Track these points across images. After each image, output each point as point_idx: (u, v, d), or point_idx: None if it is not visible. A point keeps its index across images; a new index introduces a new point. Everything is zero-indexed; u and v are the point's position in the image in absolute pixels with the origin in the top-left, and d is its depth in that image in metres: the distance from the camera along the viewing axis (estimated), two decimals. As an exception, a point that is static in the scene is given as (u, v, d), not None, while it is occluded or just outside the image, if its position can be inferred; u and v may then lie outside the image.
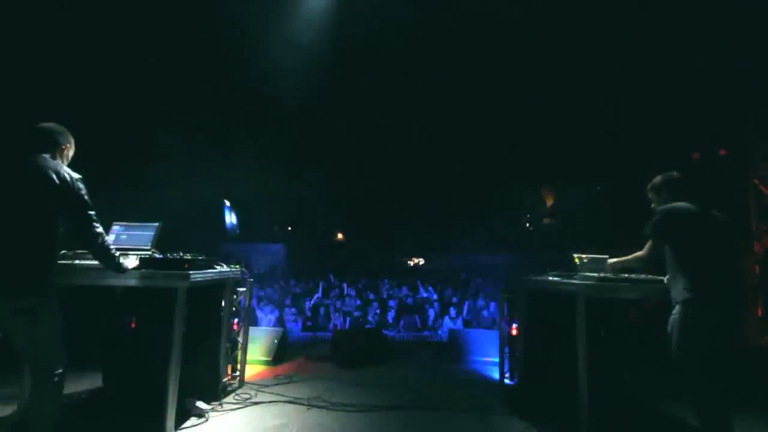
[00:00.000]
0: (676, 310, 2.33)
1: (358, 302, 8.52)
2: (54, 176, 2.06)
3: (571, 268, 3.21)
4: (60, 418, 2.14)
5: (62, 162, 2.25)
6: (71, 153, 2.34)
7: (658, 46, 7.47)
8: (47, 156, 2.14)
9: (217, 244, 14.18)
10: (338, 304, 8.52)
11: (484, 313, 7.58)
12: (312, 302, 8.47)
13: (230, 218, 17.80)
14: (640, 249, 2.58)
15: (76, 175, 2.15)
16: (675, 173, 2.61)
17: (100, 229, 2.21)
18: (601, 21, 7.29)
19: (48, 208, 2.06)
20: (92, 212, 2.18)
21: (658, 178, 2.64)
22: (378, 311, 7.99)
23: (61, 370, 2.12)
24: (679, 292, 2.35)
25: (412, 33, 8.66)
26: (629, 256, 2.69)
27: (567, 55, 8.52)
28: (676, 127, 8.58)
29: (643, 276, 2.84)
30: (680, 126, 8.52)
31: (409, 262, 24.38)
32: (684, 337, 2.26)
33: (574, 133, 11.29)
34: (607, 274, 2.80)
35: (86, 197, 2.15)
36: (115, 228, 3.08)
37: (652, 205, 2.63)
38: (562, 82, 9.46)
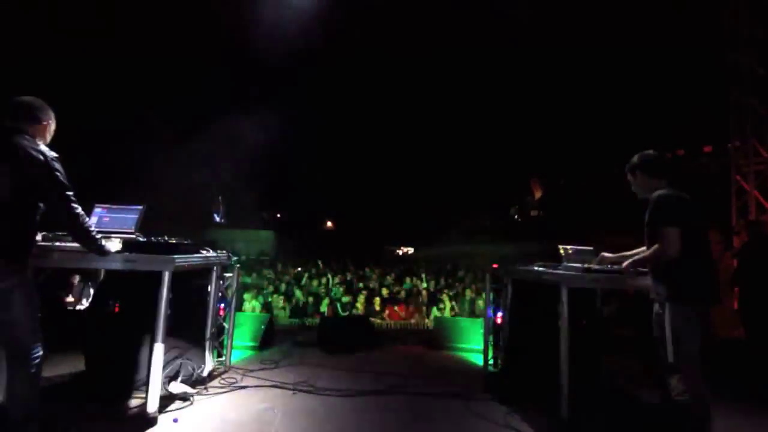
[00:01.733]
0: (668, 309, 2.22)
1: (346, 290, 8.54)
2: (29, 156, 1.99)
3: (556, 259, 3.26)
4: (38, 401, 2.12)
5: (45, 139, 2.18)
6: (53, 128, 2.26)
7: (646, 45, 7.54)
8: (25, 135, 2.06)
9: (203, 230, 14.03)
10: (326, 291, 8.54)
11: (469, 301, 7.68)
12: (300, 289, 8.47)
13: (218, 205, 17.58)
14: (620, 238, 2.50)
15: (51, 154, 2.08)
16: (651, 152, 2.47)
17: (78, 210, 2.15)
18: (592, 19, 7.32)
19: (21, 188, 2.00)
20: (69, 192, 2.10)
21: (634, 158, 2.50)
22: (366, 299, 8.03)
23: (38, 353, 2.10)
24: (668, 288, 2.25)
25: (406, 21, 8.58)
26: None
27: (557, 51, 8.55)
28: (664, 124, 8.72)
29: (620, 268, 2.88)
30: (667, 123, 8.66)
31: (398, 251, 24.50)
32: (678, 342, 2.18)
33: (563, 128, 11.39)
34: (591, 265, 2.85)
35: (62, 177, 2.08)
36: (97, 210, 3.01)
37: (632, 188, 2.52)
38: (553, 77, 9.50)
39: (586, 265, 2.81)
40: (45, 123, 2.19)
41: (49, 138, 2.23)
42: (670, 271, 2.26)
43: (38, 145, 2.07)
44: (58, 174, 2.06)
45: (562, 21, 7.56)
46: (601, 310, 3.66)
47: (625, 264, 2.51)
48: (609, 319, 3.82)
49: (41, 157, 2.02)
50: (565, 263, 3.05)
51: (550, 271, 3.00)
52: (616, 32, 7.63)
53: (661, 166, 2.44)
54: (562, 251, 3.27)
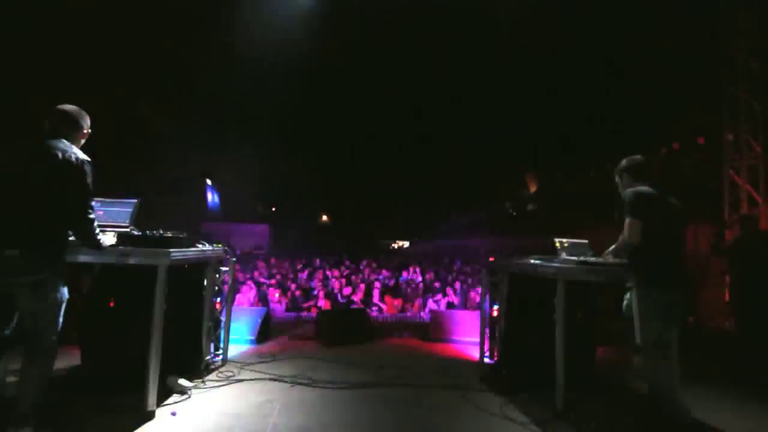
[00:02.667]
0: (632, 294, 2.47)
1: (342, 283, 8.56)
2: (60, 155, 2.11)
3: (552, 252, 3.28)
4: (42, 398, 2.16)
5: (80, 144, 2.31)
6: (87, 134, 2.39)
7: (639, 37, 7.55)
8: (62, 139, 2.19)
9: (198, 224, 13.97)
10: (322, 284, 8.55)
11: (465, 294, 7.73)
12: (296, 282, 8.47)
13: (212, 198, 17.48)
14: (616, 232, 2.65)
15: (83, 157, 2.20)
16: (638, 157, 2.71)
17: (93, 215, 2.26)
18: (585, 11, 7.31)
19: (57, 187, 2.11)
20: (91, 197, 2.23)
21: (622, 162, 2.74)
22: (362, 292, 8.05)
23: (54, 347, 2.20)
24: (633, 273, 2.48)
25: (403, 16, 8.51)
26: (619, 242, 2.69)
27: (551, 44, 8.54)
28: (659, 116, 8.76)
29: (618, 260, 2.92)
30: (663, 115, 8.70)
31: (393, 245, 24.56)
32: (642, 327, 2.39)
33: (558, 121, 11.40)
34: (588, 258, 2.88)
35: (89, 181, 2.20)
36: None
37: (619, 189, 2.72)
38: (547, 69, 9.49)
39: (581, 258, 2.84)
40: (85, 131, 2.34)
41: (80, 145, 2.34)
42: (637, 260, 2.48)
43: (72, 147, 2.20)
44: (87, 177, 2.18)
45: (555, 14, 7.54)
46: (597, 302, 3.70)
47: (603, 254, 2.87)
48: (604, 312, 3.86)
49: (73, 160, 2.14)
50: (561, 256, 3.08)
51: (546, 264, 3.02)
52: (610, 25, 7.63)
53: (645, 170, 2.67)
54: (557, 244, 3.29)
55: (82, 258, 2.47)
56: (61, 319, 2.20)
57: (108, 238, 2.48)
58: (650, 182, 2.59)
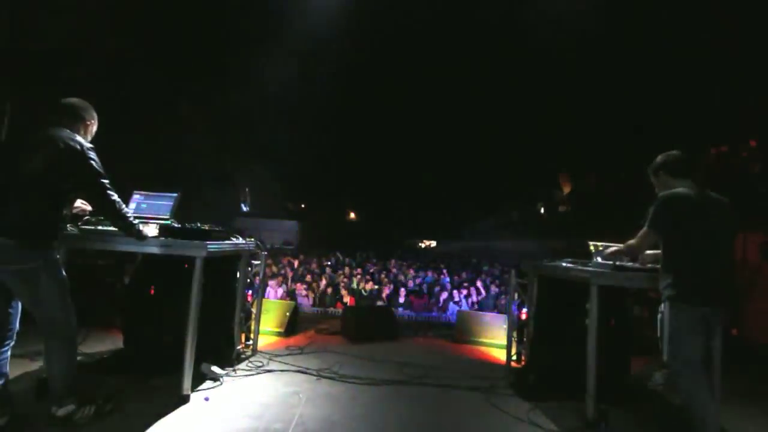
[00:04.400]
0: (663, 308, 2.27)
1: (369, 281, 8.62)
2: (61, 144, 2.10)
3: (585, 256, 3.18)
4: (76, 375, 2.27)
5: (85, 137, 2.31)
6: (94, 128, 2.41)
7: (688, 35, 7.15)
8: (65, 128, 2.19)
9: (232, 219, 14.44)
10: (349, 282, 8.64)
11: (492, 296, 7.61)
12: (324, 279, 8.60)
13: (246, 195, 18.01)
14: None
15: (87, 144, 2.20)
16: (675, 152, 2.43)
17: (114, 197, 2.27)
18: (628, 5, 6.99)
19: (54, 174, 2.10)
20: (104, 180, 2.22)
21: (658, 158, 2.48)
22: (388, 291, 8.09)
23: (72, 330, 2.23)
24: (664, 286, 2.28)
25: (433, 12, 8.45)
26: (622, 245, 2.55)
27: (590, 45, 8.22)
28: (706, 117, 8.26)
29: (657, 266, 2.79)
30: (709, 117, 8.20)
31: (420, 244, 24.45)
32: (671, 342, 2.21)
33: (595, 121, 10.98)
34: (624, 263, 2.77)
35: (97, 166, 2.19)
36: (136, 197, 3.15)
37: (656, 189, 2.49)
38: (585, 69, 9.15)
39: (617, 263, 2.73)
40: (88, 123, 2.34)
41: (89, 138, 2.36)
42: (669, 272, 2.28)
43: (75, 136, 2.19)
44: (93, 163, 2.18)
45: (595, 9, 7.24)
46: (632, 309, 3.55)
47: (604, 254, 2.71)
48: (639, 320, 3.70)
49: (77, 147, 2.14)
50: (595, 260, 2.98)
51: (579, 267, 2.92)
52: (655, 19, 7.27)
53: (685, 166, 2.40)
54: (592, 248, 3.19)
55: (126, 248, 2.61)
56: (69, 306, 2.21)
57: (150, 230, 2.60)
58: (692, 180, 2.34)
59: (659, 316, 2.34)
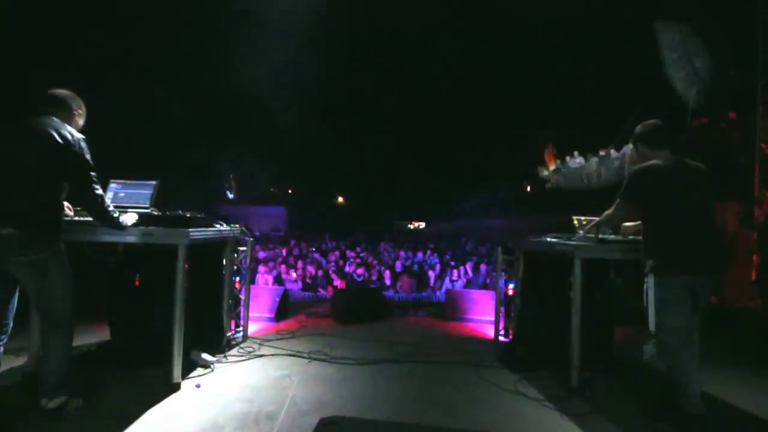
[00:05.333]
0: (650, 280, 2.28)
1: (359, 263, 8.65)
2: (55, 135, 2.11)
3: (569, 231, 3.22)
4: (69, 367, 2.26)
5: (75, 127, 2.30)
6: (82, 120, 2.40)
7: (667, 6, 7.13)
8: (55, 118, 2.19)
9: (217, 206, 14.24)
10: (339, 265, 8.66)
11: (482, 274, 7.72)
12: (314, 263, 8.60)
13: (230, 181, 17.71)
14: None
15: (78, 135, 2.21)
16: (651, 122, 2.42)
17: (100, 191, 2.28)
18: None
19: (51, 166, 2.12)
20: (93, 173, 2.23)
21: (636, 129, 2.47)
22: (377, 273, 8.13)
23: (70, 321, 2.26)
24: (647, 257, 2.31)
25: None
26: (600, 217, 2.62)
27: (574, 19, 8.15)
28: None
29: (639, 238, 2.85)
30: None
31: (409, 225, 24.55)
32: (657, 312, 2.25)
33: (578, 96, 10.99)
34: (606, 236, 2.82)
35: (88, 158, 2.21)
36: (113, 186, 3.06)
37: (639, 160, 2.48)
38: (566, 42, 9.10)
39: (600, 236, 2.78)
40: (75, 112, 2.34)
41: (77, 128, 2.34)
42: (649, 243, 2.32)
43: (66, 126, 2.19)
44: (85, 154, 2.19)
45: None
46: (615, 281, 3.64)
47: (585, 227, 2.83)
48: (623, 291, 3.80)
49: (69, 137, 2.15)
50: (578, 234, 3.02)
51: (563, 242, 2.97)
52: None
53: (661, 136, 2.38)
54: (575, 222, 3.23)
55: (106, 238, 2.56)
56: (70, 296, 2.24)
57: (129, 217, 2.54)
58: (670, 150, 2.34)
59: (645, 287, 2.37)
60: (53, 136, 2.09)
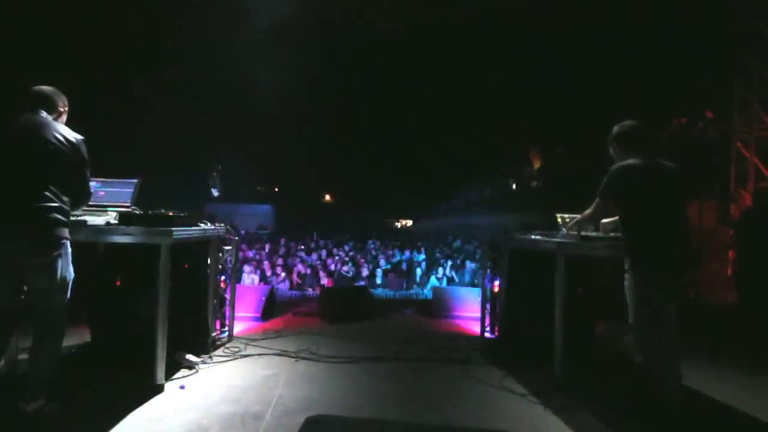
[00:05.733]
0: (628, 275, 2.37)
1: (346, 262, 8.63)
2: (63, 137, 2.17)
3: (554, 229, 3.27)
4: (56, 367, 2.25)
5: (60, 123, 2.33)
6: (65, 116, 2.42)
7: (644, 8, 7.29)
8: (49, 117, 2.23)
9: (202, 205, 14.03)
10: (328, 263, 8.63)
11: (467, 271, 7.79)
12: (301, 262, 8.55)
13: (214, 178, 17.47)
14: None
15: (79, 137, 2.28)
16: (627, 123, 2.49)
17: (91, 189, 2.39)
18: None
19: (60, 166, 2.17)
20: (88, 171, 2.32)
21: (613, 129, 2.54)
22: (365, 271, 8.14)
23: (63, 323, 2.27)
24: (626, 255, 2.39)
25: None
26: (581, 215, 2.69)
27: (558, 13, 8.25)
28: (664, 89, 8.52)
29: (620, 235, 2.91)
30: (668, 88, 8.46)
31: (397, 223, 24.60)
32: (634, 307, 2.34)
33: (561, 96, 11.15)
34: (588, 233, 2.87)
35: (86, 157, 2.28)
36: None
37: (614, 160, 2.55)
38: (549, 42, 9.22)
39: (582, 233, 2.83)
40: (62, 109, 2.37)
41: (63, 122, 2.38)
42: (627, 240, 2.41)
43: (65, 128, 2.25)
44: (85, 154, 2.26)
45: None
46: (598, 277, 3.72)
47: (567, 226, 2.87)
48: (605, 286, 3.88)
49: (73, 138, 2.21)
50: (562, 231, 3.07)
51: (546, 239, 3.02)
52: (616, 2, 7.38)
53: (635, 138, 2.47)
54: (559, 220, 3.28)
55: (87, 238, 2.50)
56: (68, 297, 2.26)
57: (109, 217, 2.51)
58: (643, 152, 2.41)
59: (626, 282, 2.44)
60: (61, 138, 2.16)
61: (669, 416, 2.27)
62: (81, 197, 2.32)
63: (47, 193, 2.10)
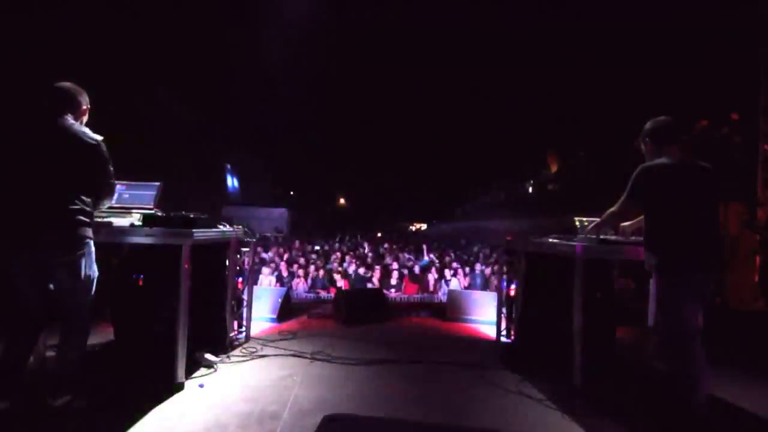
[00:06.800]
0: (654, 278, 2.26)
1: (360, 265, 8.66)
2: (81, 137, 2.19)
3: (572, 232, 3.23)
4: (82, 365, 2.31)
5: (83, 123, 2.36)
6: (87, 116, 2.43)
7: (670, 6, 7.13)
8: (70, 117, 2.24)
9: (219, 208, 14.30)
10: (344, 266, 8.67)
11: (482, 275, 7.72)
12: (317, 264, 8.61)
13: (232, 182, 17.79)
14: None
15: (99, 137, 2.29)
16: (662, 119, 2.39)
17: (116, 188, 2.45)
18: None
19: (82, 169, 2.20)
20: (112, 169, 2.35)
21: (646, 125, 2.43)
22: (380, 274, 8.14)
23: (88, 321, 2.33)
24: (650, 258, 2.27)
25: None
26: (605, 213, 2.58)
27: (574, 15, 8.15)
28: (689, 92, 8.31)
29: (641, 239, 2.84)
30: (693, 90, 8.26)
31: (411, 227, 24.57)
32: (660, 311, 2.24)
33: (581, 98, 10.98)
34: (608, 236, 2.82)
35: (108, 159, 2.31)
36: (117, 187, 3.08)
37: (646, 158, 2.44)
38: (570, 43, 9.10)
39: (601, 237, 2.78)
40: (84, 107, 2.37)
41: (85, 121, 2.40)
42: (656, 241, 2.28)
43: (87, 129, 2.27)
44: (105, 155, 2.29)
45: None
46: (617, 282, 3.64)
47: (588, 228, 2.79)
48: (625, 292, 3.80)
49: (93, 141, 2.23)
50: (580, 235, 3.03)
51: (564, 242, 2.97)
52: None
53: (669, 134, 2.35)
54: (577, 223, 3.24)
55: (111, 239, 2.58)
56: (93, 295, 2.32)
57: (133, 219, 2.58)
58: (678, 148, 2.30)
59: (651, 287, 2.34)
60: (84, 140, 2.18)
61: (694, 426, 2.20)
62: (106, 193, 2.37)
63: (70, 195, 2.16)
